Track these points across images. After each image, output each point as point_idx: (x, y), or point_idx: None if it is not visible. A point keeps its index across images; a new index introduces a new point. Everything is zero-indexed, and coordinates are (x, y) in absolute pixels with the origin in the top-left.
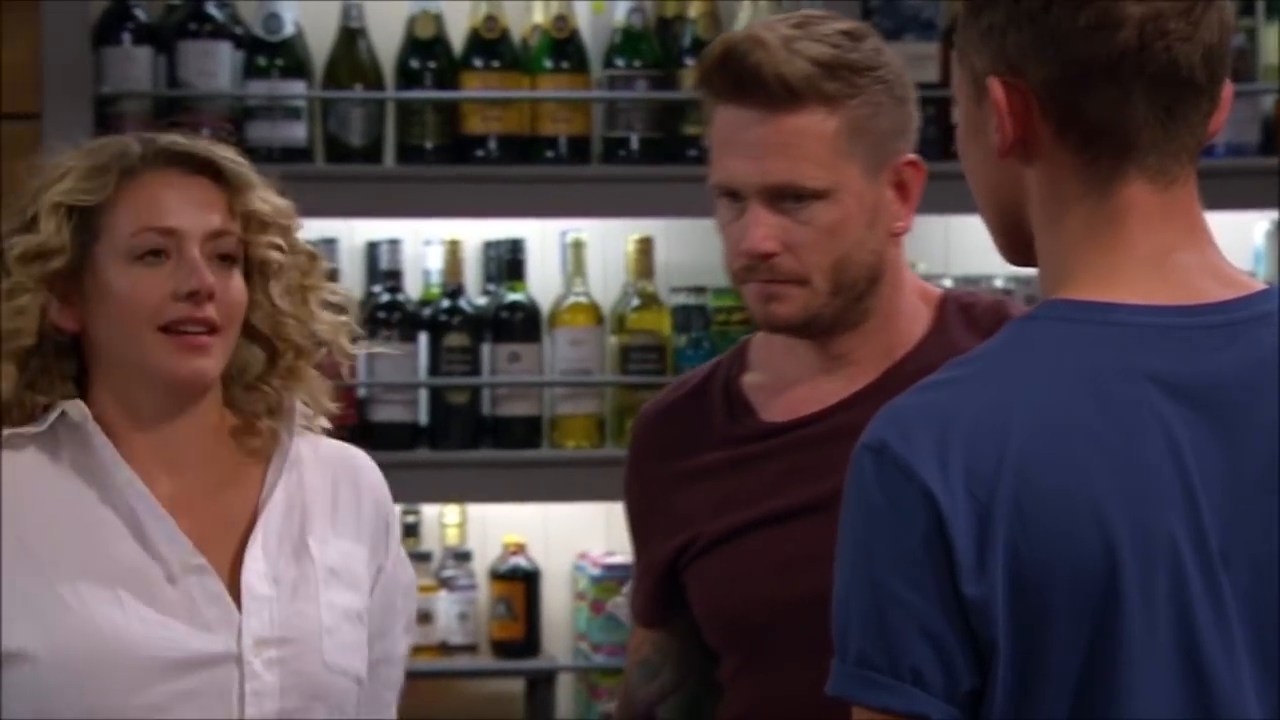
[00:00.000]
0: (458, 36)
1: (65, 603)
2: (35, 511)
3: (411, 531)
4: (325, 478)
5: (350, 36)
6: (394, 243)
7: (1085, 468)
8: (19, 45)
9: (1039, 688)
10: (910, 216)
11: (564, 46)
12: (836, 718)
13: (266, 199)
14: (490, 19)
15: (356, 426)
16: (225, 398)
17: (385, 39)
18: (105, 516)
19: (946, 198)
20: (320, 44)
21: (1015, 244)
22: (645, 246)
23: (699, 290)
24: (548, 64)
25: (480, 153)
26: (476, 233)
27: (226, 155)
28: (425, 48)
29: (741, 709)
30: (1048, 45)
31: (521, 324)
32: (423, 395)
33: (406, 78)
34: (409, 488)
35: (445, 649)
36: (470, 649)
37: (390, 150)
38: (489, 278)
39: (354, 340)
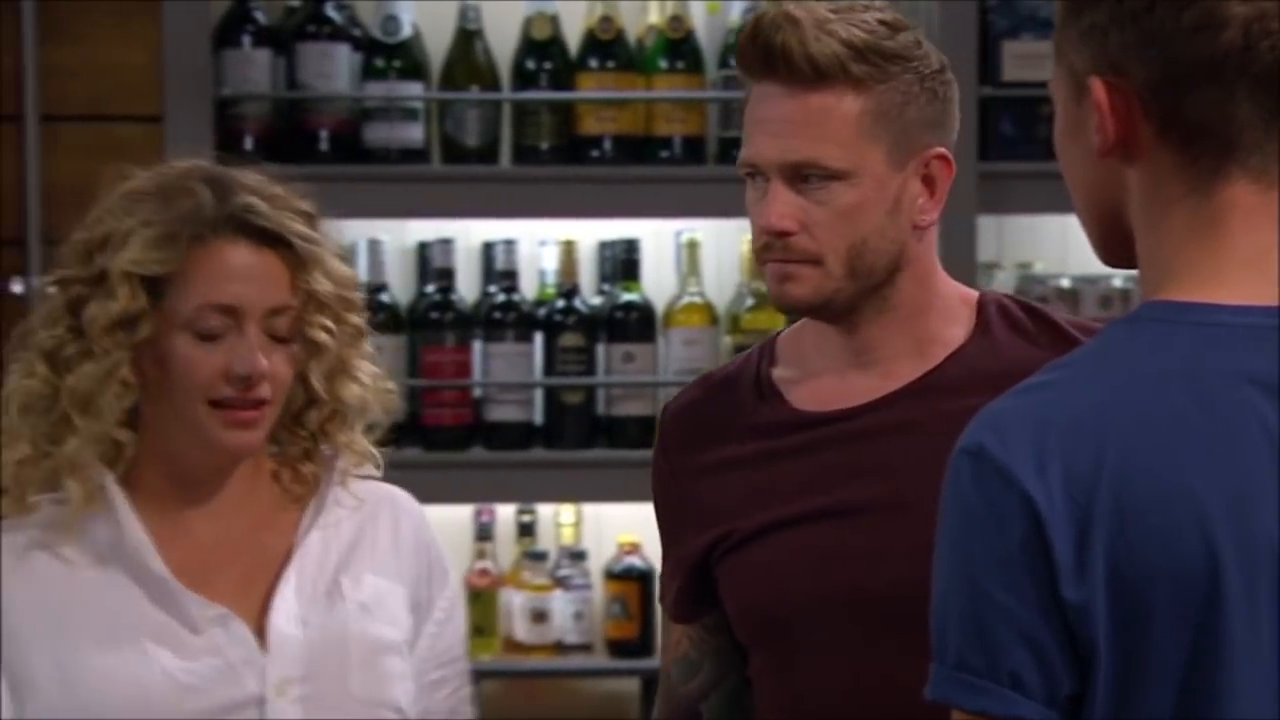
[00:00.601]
0: (573, 37)
1: (90, 666)
2: (66, 581)
3: (527, 531)
4: (363, 519)
5: (467, 38)
6: (509, 243)
7: (1186, 470)
8: (141, 48)
9: (1140, 691)
10: (936, 210)
11: (679, 47)
12: (870, 713)
13: (331, 274)
14: (606, 20)
15: (472, 426)
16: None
17: (501, 40)
18: (122, 579)
19: (1064, 197)
20: (437, 45)
21: (1113, 245)
22: None
23: None
24: (663, 64)
25: (595, 153)
26: (591, 233)
27: (299, 229)
28: (541, 49)
29: (773, 706)
30: (1151, 45)
31: (636, 324)
32: (538, 395)
33: (522, 79)
34: (524, 488)
35: (560, 648)
36: (585, 648)
37: (506, 151)
38: (604, 278)
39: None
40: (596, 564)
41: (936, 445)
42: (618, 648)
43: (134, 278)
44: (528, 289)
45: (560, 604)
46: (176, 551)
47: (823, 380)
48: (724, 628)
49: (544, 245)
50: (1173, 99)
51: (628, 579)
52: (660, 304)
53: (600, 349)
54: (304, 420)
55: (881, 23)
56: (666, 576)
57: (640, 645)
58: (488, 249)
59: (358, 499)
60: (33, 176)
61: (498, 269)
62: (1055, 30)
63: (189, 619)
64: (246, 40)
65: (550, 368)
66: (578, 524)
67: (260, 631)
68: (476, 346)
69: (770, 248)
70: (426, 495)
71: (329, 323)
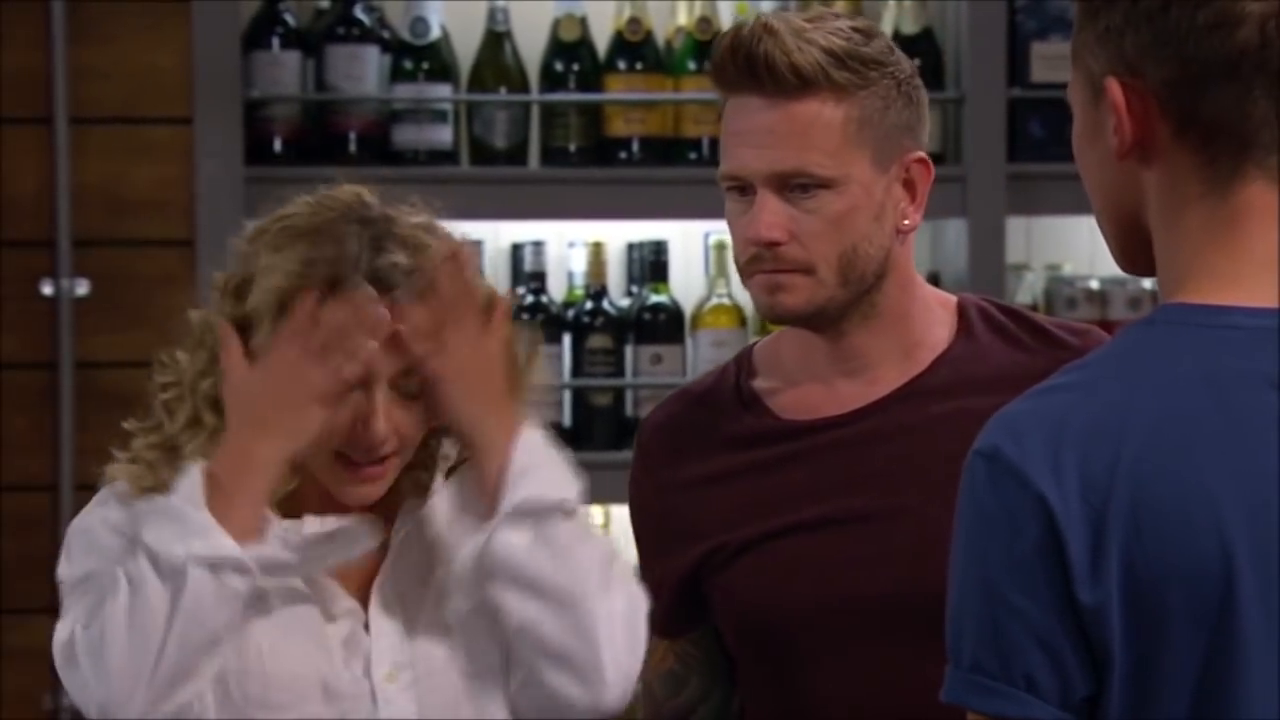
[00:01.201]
0: (602, 39)
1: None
2: None
3: None
4: (455, 508)
5: (495, 40)
6: (538, 245)
7: (1202, 472)
8: (170, 50)
9: (1155, 693)
10: (918, 214)
11: (707, 48)
12: (875, 719)
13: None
14: (634, 21)
15: None
16: None
17: (530, 42)
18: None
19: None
20: (466, 47)
21: (1132, 250)
22: None
23: None
24: (691, 66)
25: (623, 155)
26: (620, 234)
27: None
28: (569, 50)
29: (772, 716)
30: (1166, 45)
31: (664, 325)
32: (566, 396)
33: (551, 80)
34: None
35: None
36: None
37: (534, 153)
38: (632, 279)
39: None
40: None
41: (928, 449)
42: None
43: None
44: (556, 290)
45: None
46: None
47: (807, 389)
48: (710, 641)
49: (572, 247)
50: (1189, 98)
51: None
52: (689, 305)
53: (628, 350)
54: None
55: (855, 30)
56: (649, 594)
57: None
58: (516, 250)
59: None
60: (62, 178)
61: (526, 270)
62: (1073, 36)
63: (324, 601)
64: (276, 42)
65: (578, 369)
66: (606, 525)
67: (365, 623)
68: None
69: (759, 259)
70: None
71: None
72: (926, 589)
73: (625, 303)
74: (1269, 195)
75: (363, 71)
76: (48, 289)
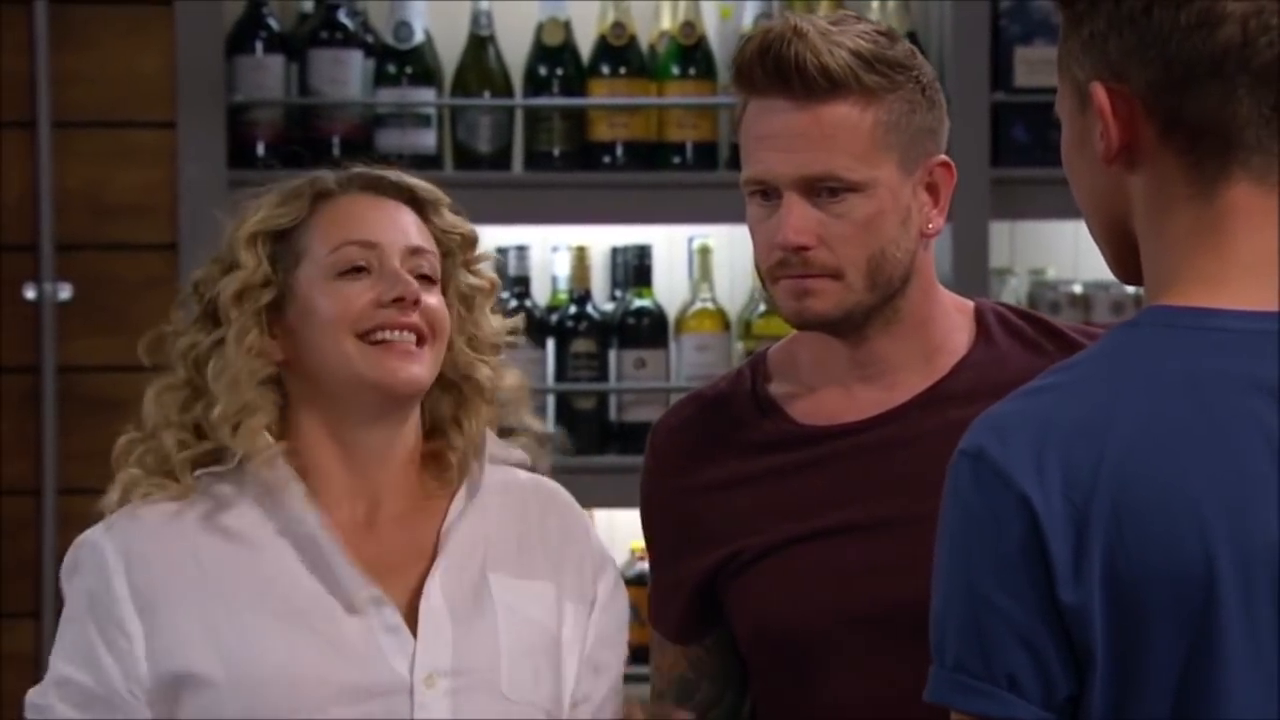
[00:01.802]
0: (585, 43)
1: (245, 630)
2: (220, 543)
3: None
4: (514, 510)
5: (479, 44)
6: (521, 249)
7: (1184, 473)
8: (154, 54)
9: (1137, 693)
10: (942, 218)
11: (691, 53)
12: None
13: (457, 218)
14: (618, 26)
15: None
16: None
17: (514, 46)
18: (285, 549)
19: (1077, 203)
20: (449, 51)
21: (1123, 257)
22: None
23: None
24: (675, 70)
25: (607, 159)
26: (603, 239)
27: (419, 182)
28: (553, 55)
29: None
30: (1150, 47)
31: (648, 330)
32: (550, 401)
33: (534, 85)
34: None
35: None
36: None
37: (518, 157)
38: (616, 284)
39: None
40: None
41: (949, 456)
42: (630, 653)
43: (258, 241)
44: (540, 295)
45: None
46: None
47: (825, 394)
48: (723, 648)
49: (556, 251)
50: (1174, 99)
51: (640, 584)
52: (672, 310)
53: (612, 355)
54: (457, 413)
55: (879, 33)
56: (661, 599)
57: None
58: (500, 255)
59: (507, 487)
60: (45, 182)
61: (510, 275)
62: (1058, 45)
63: (345, 596)
64: (259, 46)
65: (562, 373)
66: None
67: (409, 619)
68: None
69: (786, 264)
70: None
71: (472, 268)
72: None
73: (609, 307)
74: (1255, 197)
75: (346, 75)
76: (30, 293)
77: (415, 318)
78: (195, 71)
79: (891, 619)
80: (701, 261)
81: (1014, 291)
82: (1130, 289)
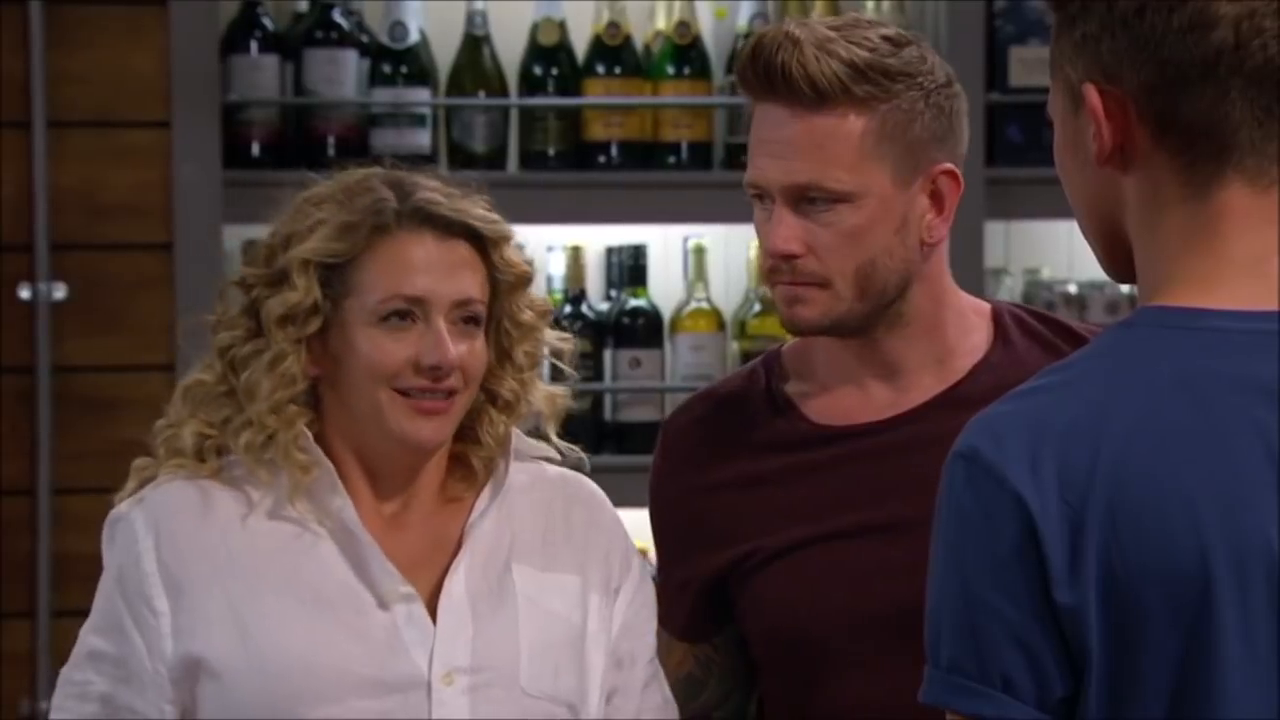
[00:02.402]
0: (581, 43)
1: (268, 616)
2: (250, 530)
3: None
4: (540, 505)
5: (474, 44)
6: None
7: (1180, 474)
8: (148, 53)
9: (1133, 694)
10: (945, 227)
11: (686, 53)
12: None
13: (518, 254)
14: (613, 25)
15: None
16: None
17: (509, 46)
18: (320, 539)
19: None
20: (445, 51)
21: (1116, 258)
22: None
23: None
24: (670, 70)
25: (602, 159)
26: (599, 239)
27: (481, 214)
28: (548, 54)
29: None
30: (1143, 49)
31: (643, 329)
32: None
33: (529, 85)
34: None
35: None
36: None
37: (513, 157)
38: (611, 283)
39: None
40: None
41: None
42: None
43: (311, 268)
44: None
45: None
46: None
47: (840, 393)
48: (732, 646)
49: (551, 251)
50: (1167, 102)
51: None
52: (667, 310)
53: (607, 354)
54: (486, 412)
55: (885, 39)
56: (670, 597)
57: None
58: None
59: (533, 484)
60: (40, 181)
61: None
62: (1050, 46)
63: (378, 591)
64: (254, 46)
65: (557, 373)
66: None
67: (432, 615)
68: None
69: (778, 271)
70: None
71: (525, 302)
72: None
73: (604, 307)
74: (1248, 198)
75: (341, 75)
76: (25, 293)
77: (449, 382)
78: (190, 71)
79: (904, 621)
80: (696, 261)
81: (1009, 291)
82: (1125, 289)
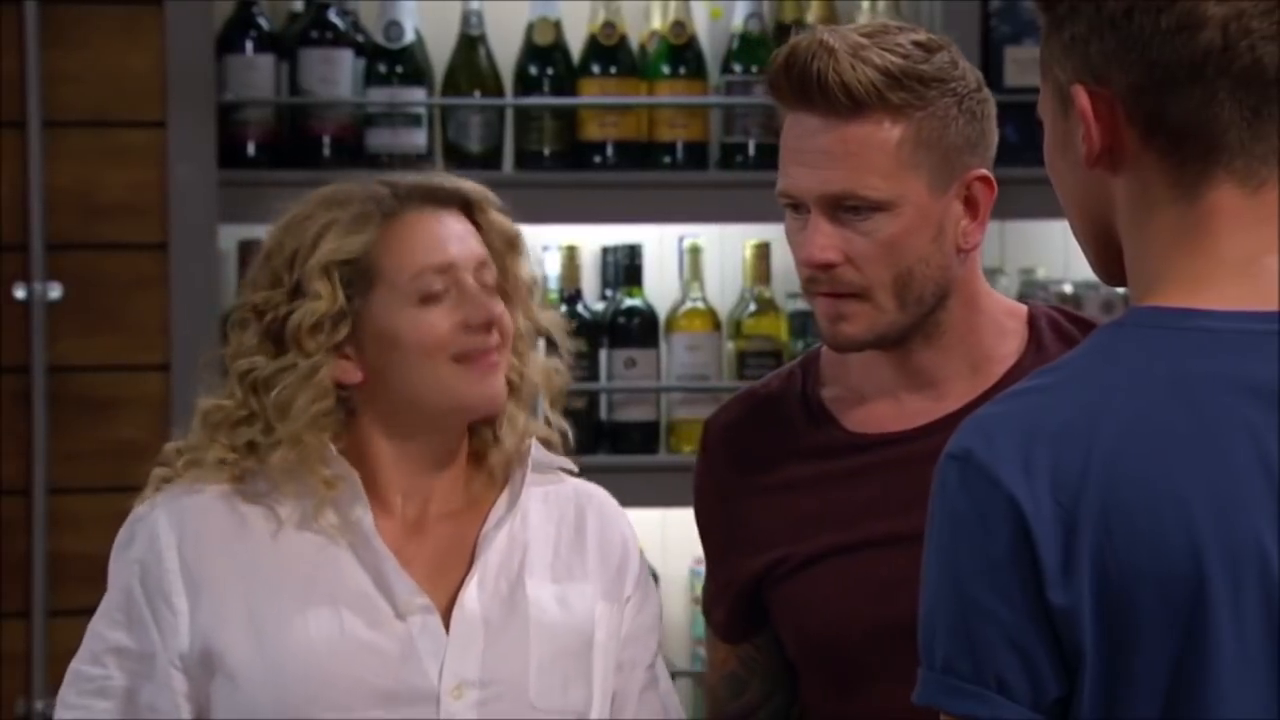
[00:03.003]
0: (576, 43)
1: (283, 622)
2: (272, 538)
3: None
4: (554, 516)
5: (470, 43)
6: None
7: (1172, 474)
8: (144, 53)
9: (1127, 694)
10: (980, 232)
11: (682, 52)
12: None
13: (504, 220)
14: (608, 25)
15: None
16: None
17: (504, 46)
18: (341, 549)
19: None
20: (440, 51)
21: (1106, 258)
22: (762, 252)
23: None
24: (665, 70)
25: (598, 159)
26: (594, 238)
27: (466, 183)
28: (544, 54)
29: None
30: (1131, 50)
31: (639, 329)
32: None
33: (525, 84)
34: None
35: None
36: None
37: (508, 156)
38: (606, 283)
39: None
40: None
41: None
42: None
43: (332, 271)
44: None
45: None
46: (379, 531)
47: (875, 402)
48: (773, 645)
49: (546, 251)
50: (1155, 103)
51: None
52: (663, 309)
53: (603, 354)
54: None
55: (917, 45)
56: (713, 597)
57: None
58: None
59: (549, 495)
60: (35, 181)
61: None
62: (1040, 48)
63: (395, 601)
64: (249, 46)
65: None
66: None
67: (447, 625)
68: None
69: (816, 281)
70: None
71: (514, 268)
72: None
73: (599, 306)
74: (1237, 198)
75: (337, 75)
76: (20, 292)
77: (495, 336)
78: (185, 71)
79: None
80: (692, 261)
81: (1004, 291)
82: (1120, 289)
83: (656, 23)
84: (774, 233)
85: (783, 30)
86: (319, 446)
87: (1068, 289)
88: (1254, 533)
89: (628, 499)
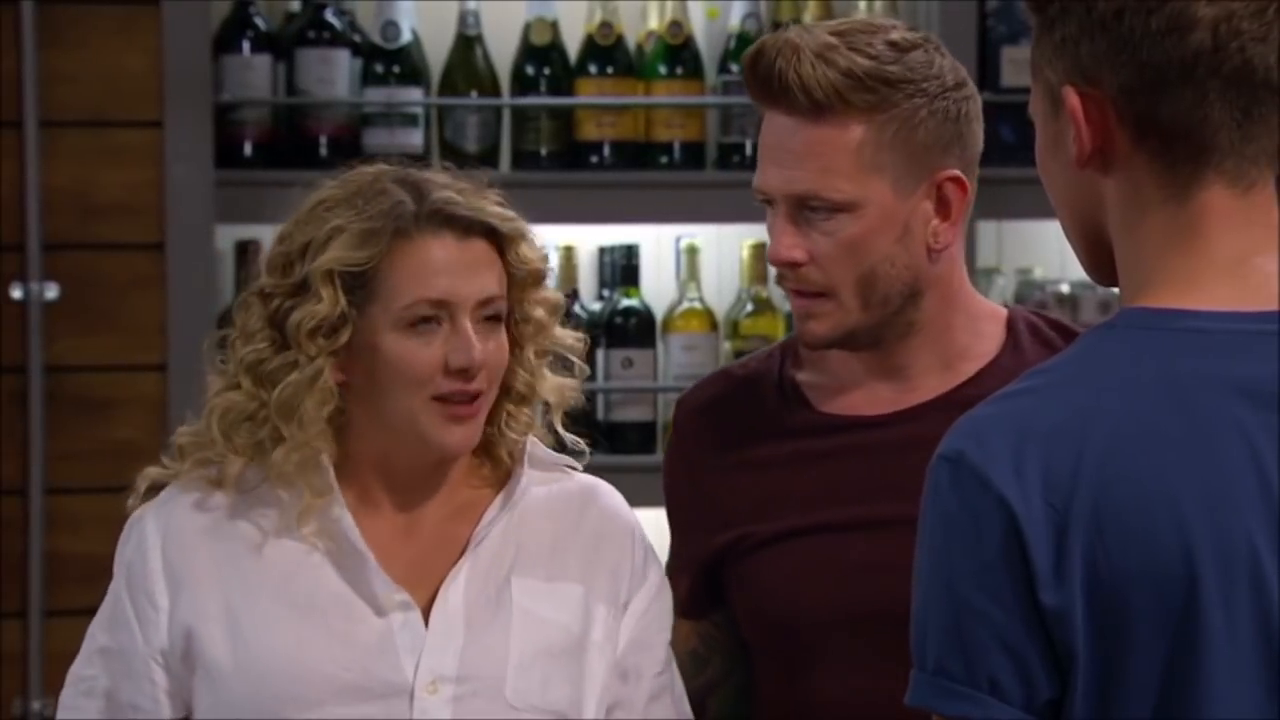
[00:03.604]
0: (573, 43)
1: (259, 617)
2: (251, 532)
3: None
4: (553, 515)
5: (467, 43)
6: None
7: (1163, 475)
8: (141, 53)
9: (1119, 695)
10: (953, 232)
11: (678, 52)
12: None
13: (534, 250)
14: (605, 25)
15: None
16: None
17: (501, 46)
18: (317, 545)
19: None
20: (437, 51)
21: (1098, 260)
22: (759, 252)
23: None
24: (662, 70)
25: (594, 159)
26: (591, 238)
27: (497, 212)
28: (541, 54)
29: (780, 712)
30: (1121, 51)
31: (635, 329)
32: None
33: (522, 84)
34: None
35: None
36: None
37: (505, 156)
38: (603, 283)
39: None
40: None
41: None
42: None
43: (335, 278)
44: None
45: None
46: (365, 527)
47: (848, 389)
48: (734, 625)
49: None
50: (1146, 104)
51: None
52: (660, 309)
53: (600, 354)
54: (498, 416)
55: (890, 44)
56: (675, 572)
57: None
58: None
59: (550, 494)
60: (32, 181)
61: None
62: (1031, 49)
63: (373, 598)
64: (246, 46)
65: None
66: None
67: (427, 620)
68: None
69: (784, 278)
70: None
71: (539, 297)
72: None
73: (596, 307)
74: (1228, 199)
75: (333, 75)
76: (17, 292)
77: (478, 383)
78: (182, 71)
79: (889, 618)
80: (689, 261)
81: (1001, 291)
82: (1118, 290)
83: (653, 23)
84: None
85: (779, 30)
86: (320, 452)
87: (1065, 289)
88: (1245, 533)
89: (626, 499)
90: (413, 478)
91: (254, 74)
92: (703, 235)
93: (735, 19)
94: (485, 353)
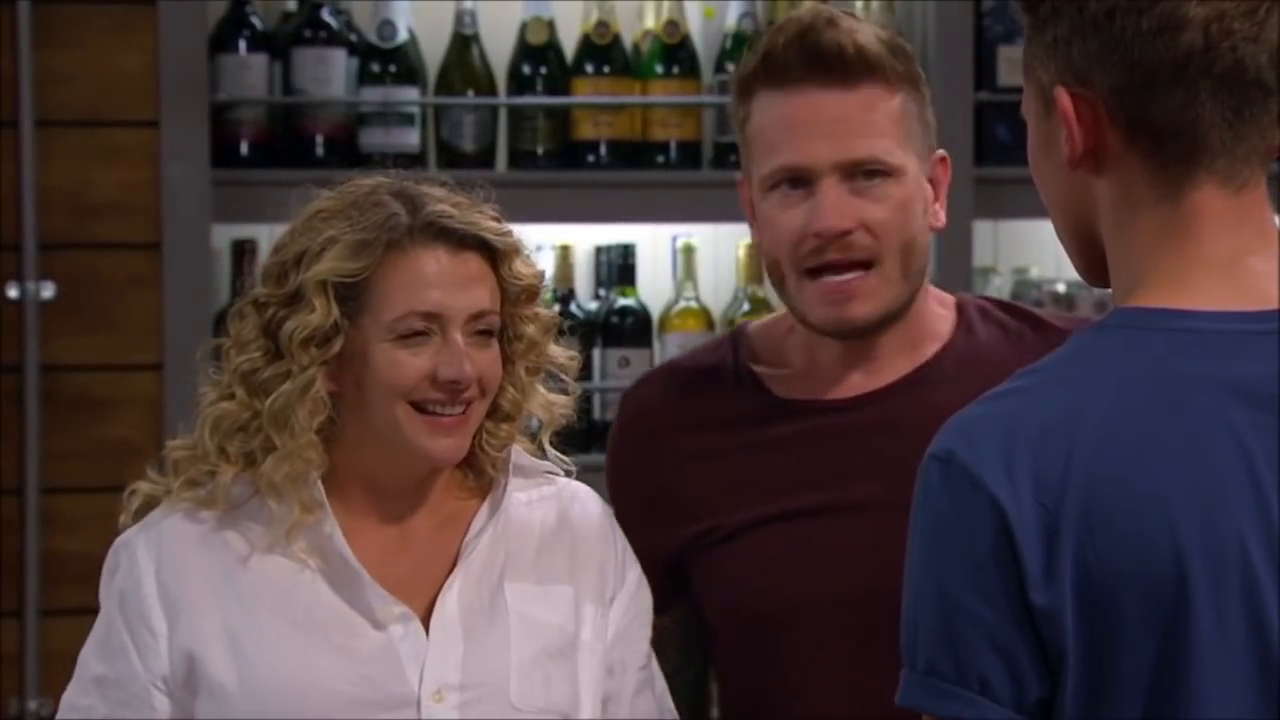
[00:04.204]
0: (569, 42)
1: (260, 636)
2: (245, 550)
3: None
4: (537, 518)
5: (463, 43)
6: None
7: (1154, 474)
8: (137, 52)
9: (1110, 695)
10: (942, 212)
11: (675, 52)
12: (860, 712)
13: (529, 266)
14: (601, 25)
15: None
16: None
17: (497, 45)
18: (311, 562)
19: None
20: (433, 50)
21: (1090, 261)
22: (756, 251)
23: None
24: (659, 69)
25: (591, 158)
26: (587, 238)
27: (492, 226)
28: (537, 54)
29: (754, 701)
30: (1113, 52)
31: (632, 329)
32: None
33: (518, 84)
34: None
35: None
36: None
37: (502, 156)
38: (600, 283)
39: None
40: None
41: (927, 443)
42: None
43: (328, 289)
44: None
45: None
46: (357, 541)
47: (808, 374)
48: (688, 619)
49: (540, 250)
50: (1138, 104)
51: None
52: (656, 309)
53: (596, 354)
54: (485, 427)
55: (884, 29)
56: None
57: None
58: None
59: (533, 500)
60: (28, 181)
61: None
62: (1023, 49)
63: (370, 612)
64: (243, 45)
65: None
66: None
67: (425, 630)
68: None
69: (820, 252)
70: None
71: (532, 313)
72: None
73: (593, 306)
74: (1220, 199)
75: (330, 74)
76: (13, 292)
77: (466, 395)
78: (178, 70)
79: (865, 604)
80: (685, 261)
81: (997, 290)
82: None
83: (650, 22)
84: None
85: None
86: (311, 466)
87: (1061, 288)
88: (1236, 533)
89: None
90: (401, 489)
91: (250, 73)
92: (699, 235)
93: (731, 18)
94: (478, 364)
